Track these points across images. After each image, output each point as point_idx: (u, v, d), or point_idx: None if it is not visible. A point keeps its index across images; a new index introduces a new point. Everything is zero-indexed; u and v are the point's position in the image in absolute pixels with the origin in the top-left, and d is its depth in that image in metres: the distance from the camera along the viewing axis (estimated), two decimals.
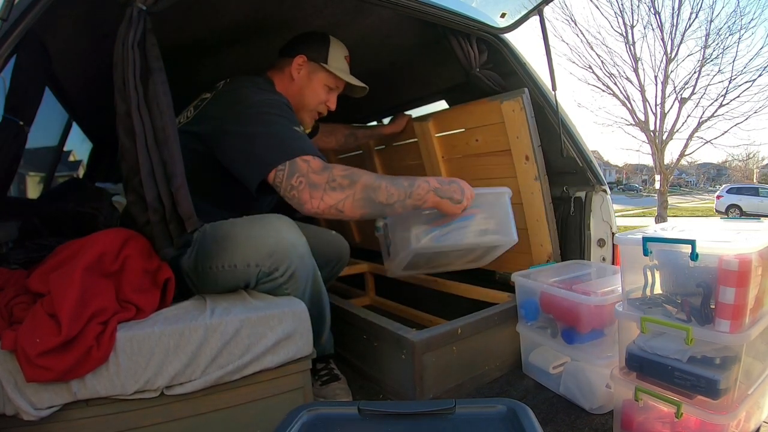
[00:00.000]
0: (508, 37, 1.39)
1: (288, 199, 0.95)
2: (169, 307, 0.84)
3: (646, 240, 0.82)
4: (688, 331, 0.76)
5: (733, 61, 7.89)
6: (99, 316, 0.72)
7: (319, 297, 1.06)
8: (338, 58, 1.22)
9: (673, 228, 0.93)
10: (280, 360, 0.84)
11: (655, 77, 8.52)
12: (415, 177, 1.03)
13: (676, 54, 8.32)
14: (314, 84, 1.20)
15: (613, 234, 1.38)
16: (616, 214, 1.44)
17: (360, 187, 0.94)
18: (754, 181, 22.90)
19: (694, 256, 0.75)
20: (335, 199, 0.93)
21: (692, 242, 0.75)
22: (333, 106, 1.26)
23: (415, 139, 1.74)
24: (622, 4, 8.52)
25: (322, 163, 0.94)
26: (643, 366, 0.84)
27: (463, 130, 1.56)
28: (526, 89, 1.31)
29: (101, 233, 0.84)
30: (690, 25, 8.14)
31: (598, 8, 14.10)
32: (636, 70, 8.55)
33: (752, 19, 9.60)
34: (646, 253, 0.83)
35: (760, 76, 7.86)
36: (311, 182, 0.92)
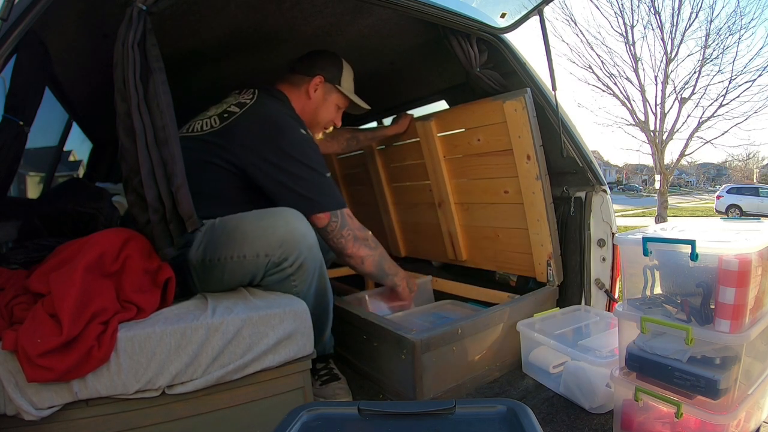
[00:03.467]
0: (508, 37, 1.39)
1: (332, 242, 1.14)
2: (171, 306, 0.84)
3: (646, 240, 0.82)
4: (688, 331, 0.76)
5: (733, 61, 7.88)
6: (100, 316, 0.72)
7: (325, 293, 1.07)
8: (349, 80, 1.35)
9: (673, 228, 0.93)
10: (281, 359, 0.85)
11: (655, 77, 8.51)
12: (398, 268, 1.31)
13: (676, 54, 8.30)
14: (328, 103, 1.32)
15: (613, 234, 1.38)
16: (616, 214, 1.44)
17: (379, 252, 1.23)
18: (754, 181, 22.88)
19: (694, 256, 0.75)
20: (365, 253, 1.19)
21: (692, 242, 0.75)
22: (339, 124, 1.41)
23: (417, 139, 1.75)
24: (622, 4, 8.51)
25: (359, 223, 1.18)
26: (642, 366, 0.84)
27: (464, 129, 1.56)
28: (528, 89, 1.31)
29: (101, 233, 0.84)
30: (690, 25, 8.12)
31: (598, 8, 14.10)
32: (636, 70, 8.53)
33: (752, 19, 9.56)
34: (646, 253, 0.83)
35: (760, 76, 7.83)
36: (356, 236, 1.16)
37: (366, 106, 1.39)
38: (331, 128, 1.41)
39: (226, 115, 1.11)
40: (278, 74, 1.68)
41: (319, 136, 1.40)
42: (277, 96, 1.21)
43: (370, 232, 1.20)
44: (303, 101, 1.28)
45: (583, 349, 1.08)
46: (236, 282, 0.97)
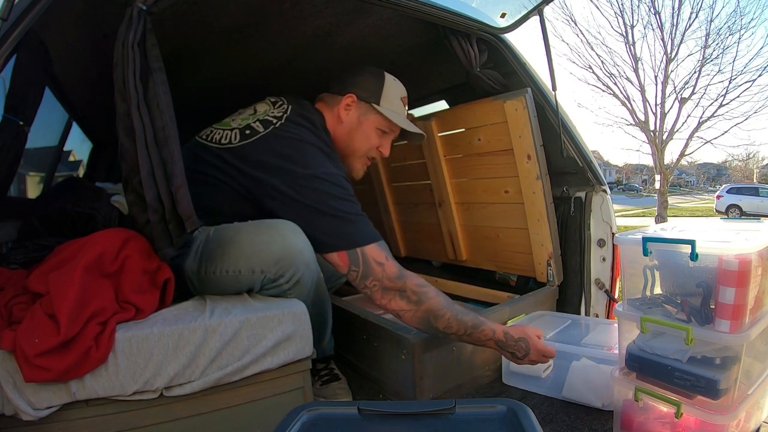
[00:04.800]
0: (508, 37, 1.39)
1: (360, 291, 0.97)
2: (169, 307, 0.84)
3: (646, 240, 0.82)
4: (689, 331, 0.76)
5: (733, 61, 7.90)
6: (98, 317, 0.71)
7: (322, 301, 1.05)
8: (392, 99, 1.13)
9: (673, 228, 0.93)
10: (280, 361, 0.84)
11: (655, 77, 8.53)
12: (484, 320, 0.99)
13: (676, 54, 8.32)
14: (365, 127, 1.11)
15: (613, 234, 1.38)
16: (616, 214, 1.44)
17: (424, 309, 0.95)
18: (754, 181, 22.91)
19: (694, 256, 0.75)
20: (399, 306, 0.95)
21: (692, 242, 0.75)
22: (387, 153, 1.17)
23: None
24: (622, 4, 8.53)
25: (397, 269, 0.95)
26: (642, 366, 0.84)
27: (465, 129, 1.56)
28: (528, 89, 1.31)
29: (101, 233, 0.84)
30: (690, 25, 8.14)
31: (598, 8, 14.12)
32: (636, 70, 8.55)
33: (752, 19, 9.63)
34: (646, 253, 0.82)
35: (760, 76, 7.86)
36: (384, 287, 0.94)
37: (419, 131, 1.17)
38: (379, 158, 1.19)
39: (248, 132, 1.00)
40: (278, 74, 1.69)
41: (361, 170, 1.19)
42: (310, 118, 1.05)
43: (412, 281, 0.95)
44: (334, 124, 1.11)
45: (592, 346, 1.06)
46: (232, 292, 0.95)
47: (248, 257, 0.90)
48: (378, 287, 0.94)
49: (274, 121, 1.01)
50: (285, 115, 1.02)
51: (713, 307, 0.76)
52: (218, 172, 0.99)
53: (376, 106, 1.11)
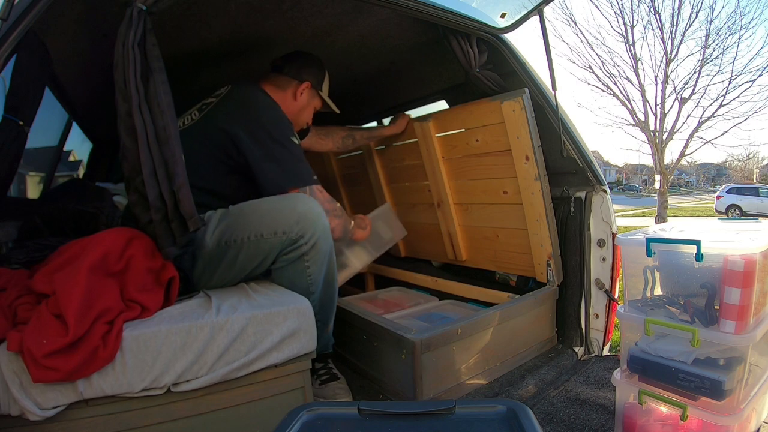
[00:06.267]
0: (508, 37, 1.38)
1: None
2: (174, 305, 0.84)
3: (650, 241, 0.82)
4: (695, 332, 0.75)
5: (733, 61, 7.86)
6: (105, 316, 0.72)
7: (332, 281, 1.10)
8: (327, 85, 1.42)
9: (672, 228, 0.93)
10: (285, 357, 0.85)
11: (655, 77, 8.50)
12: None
13: (676, 54, 8.29)
14: (309, 108, 1.40)
15: (613, 234, 1.38)
16: (616, 214, 1.44)
17: (345, 217, 1.25)
18: (754, 181, 22.89)
19: (699, 256, 0.74)
20: (334, 224, 1.17)
21: (698, 243, 0.74)
22: (311, 123, 1.50)
23: (416, 140, 1.74)
24: (622, 4, 8.50)
25: (327, 194, 1.19)
26: (645, 368, 0.84)
27: (463, 130, 1.56)
28: (526, 89, 1.31)
29: (105, 233, 0.84)
30: (690, 25, 8.11)
31: (598, 8, 14.09)
32: (636, 70, 8.52)
33: (752, 19, 9.55)
34: (649, 254, 0.82)
35: (760, 76, 7.81)
36: (326, 210, 1.10)
37: (336, 110, 1.47)
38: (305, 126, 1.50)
39: (203, 107, 1.19)
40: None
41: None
42: (254, 86, 1.24)
43: (337, 203, 1.24)
44: (288, 102, 1.31)
45: None
46: (249, 264, 1.01)
47: (271, 220, 0.99)
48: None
49: (223, 91, 1.21)
50: (230, 86, 1.22)
51: (717, 307, 0.76)
52: (189, 149, 1.02)
53: (320, 93, 1.39)
